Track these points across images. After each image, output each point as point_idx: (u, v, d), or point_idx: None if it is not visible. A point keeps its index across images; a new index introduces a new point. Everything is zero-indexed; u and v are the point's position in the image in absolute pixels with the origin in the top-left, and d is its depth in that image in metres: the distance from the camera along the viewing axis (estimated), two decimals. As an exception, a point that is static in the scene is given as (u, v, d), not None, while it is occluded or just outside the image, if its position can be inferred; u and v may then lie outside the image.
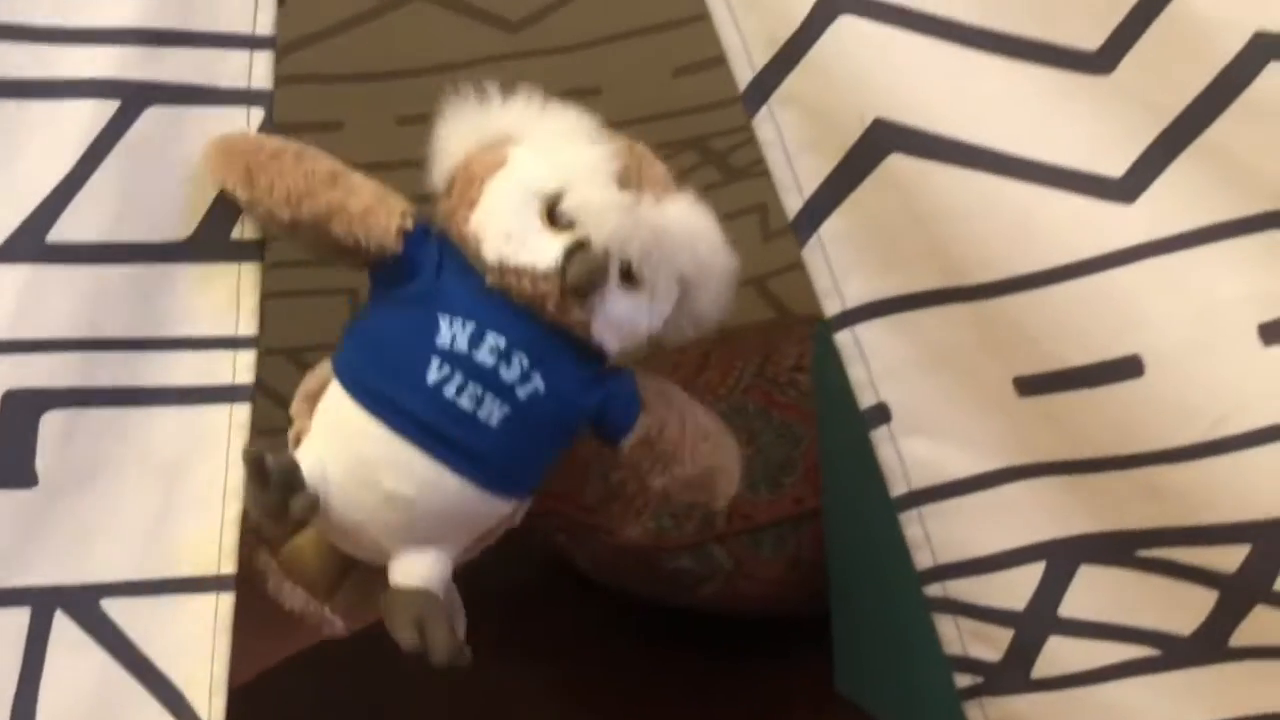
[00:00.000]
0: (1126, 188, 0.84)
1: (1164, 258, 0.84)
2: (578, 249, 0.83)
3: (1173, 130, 0.83)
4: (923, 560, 0.91)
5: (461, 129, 0.87)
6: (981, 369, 0.88)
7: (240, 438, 0.86)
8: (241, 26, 0.87)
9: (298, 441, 0.88)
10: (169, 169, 0.85)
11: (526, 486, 0.89)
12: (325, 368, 0.88)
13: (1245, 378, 0.84)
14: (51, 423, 0.82)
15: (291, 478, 0.84)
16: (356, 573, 0.92)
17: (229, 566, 0.85)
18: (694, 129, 1.49)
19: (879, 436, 0.90)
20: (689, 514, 1.39)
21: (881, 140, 0.85)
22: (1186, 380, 0.84)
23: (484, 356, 0.83)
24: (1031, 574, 0.90)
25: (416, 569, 0.87)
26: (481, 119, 0.87)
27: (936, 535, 0.91)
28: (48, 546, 0.82)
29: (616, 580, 1.48)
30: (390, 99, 1.40)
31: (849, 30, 0.85)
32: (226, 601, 0.84)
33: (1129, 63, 0.83)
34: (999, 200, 0.84)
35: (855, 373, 0.90)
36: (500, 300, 0.84)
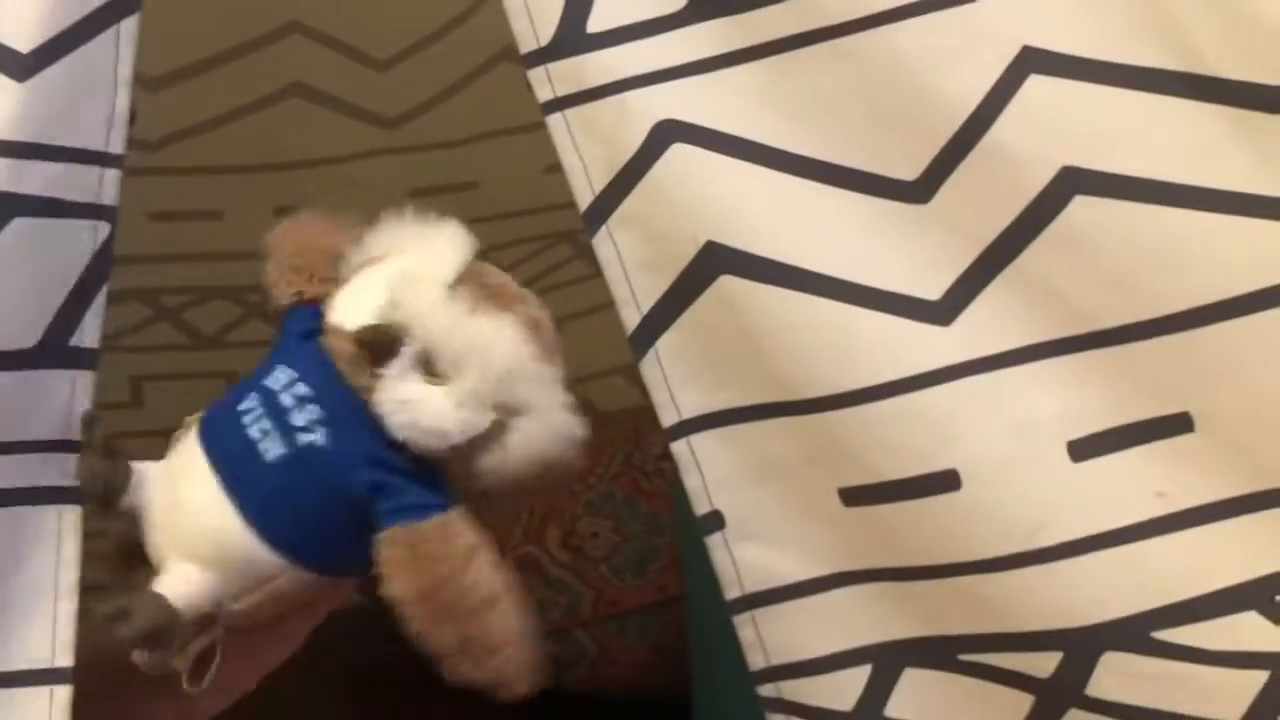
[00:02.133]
0: (943, 310, 0.87)
1: (979, 377, 0.87)
2: (382, 319, 0.87)
3: (987, 256, 0.87)
4: (756, 661, 0.94)
5: (383, 238, 0.92)
6: (809, 479, 0.91)
7: (71, 540, 0.87)
8: (96, 144, 0.88)
9: None
10: (22, 279, 0.86)
11: (300, 549, 0.88)
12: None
13: (1057, 492, 0.87)
14: None
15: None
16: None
17: (64, 659, 0.85)
18: (565, 224, 1.53)
19: (714, 543, 0.93)
20: (554, 600, 1.42)
21: (713, 262, 0.89)
22: (1002, 494, 0.87)
23: (285, 399, 0.88)
24: (859, 676, 0.92)
25: (179, 578, 0.88)
26: (399, 229, 0.92)
27: (769, 637, 0.93)
28: None
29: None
30: (268, 190, 1.42)
31: (682, 157, 0.88)
32: (62, 692, 0.85)
33: (945, 192, 0.87)
34: (822, 320, 0.88)
35: (691, 481, 0.93)
36: (327, 362, 0.88)
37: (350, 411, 0.87)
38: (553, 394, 0.89)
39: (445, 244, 0.91)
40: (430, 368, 0.87)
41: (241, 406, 0.88)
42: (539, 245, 1.63)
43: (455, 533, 0.86)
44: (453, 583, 0.85)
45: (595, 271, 1.62)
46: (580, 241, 1.58)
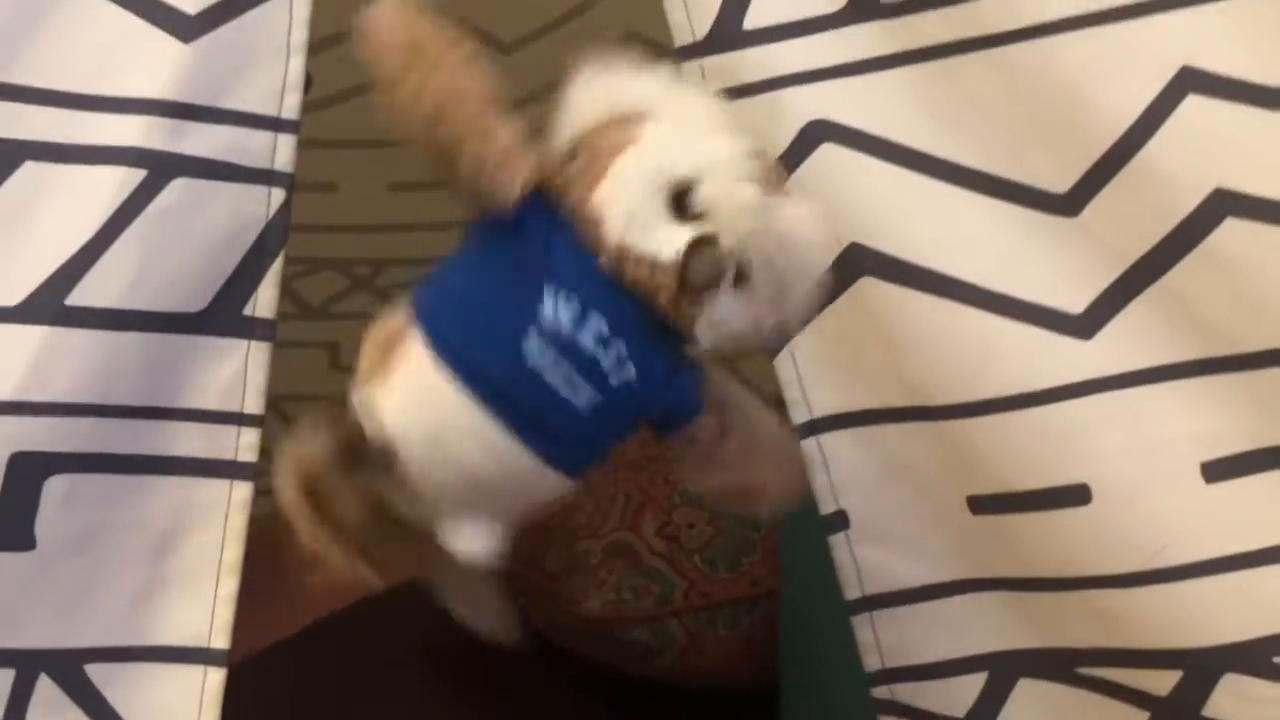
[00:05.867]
0: (1085, 324, 0.88)
1: (1115, 393, 0.87)
2: (703, 244, 0.77)
3: (1131, 274, 0.87)
4: (872, 663, 0.95)
5: (593, 94, 0.81)
6: (937, 485, 0.92)
7: (239, 516, 0.87)
8: (268, 109, 0.89)
9: (364, 385, 0.81)
10: (189, 241, 0.87)
11: (593, 467, 0.83)
12: (401, 318, 0.82)
13: (1186, 512, 0.87)
14: (54, 487, 0.83)
15: (389, 460, 0.79)
16: (394, 528, 0.84)
17: (221, 641, 0.86)
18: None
19: (837, 542, 0.94)
20: (648, 588, 1.42)
21: (855, 263, 0.89)
22: (1131, 511, 0.87)
23: (585, 339, 0.78)
24: (974, 683, 0.93)
25: (478, 541, 0.82)
26: (616, 84, 0.81)
27: (886, 640, 0.94)
28: (39, 610, 0.83)
29: (574, 646, 1.51)
30: (383, 166, 1.43)
31: (831, 157, 0.89)
32: (215, 676, 0.85)
33: (1094, 208, 0.87)
34: (963, 328, 0.88)
35: (818, 479, 0.93)
36: (608, 281, 0.78)
37: (647, 334, 0.79)
38: (827, 268, 0.83)
39: (709, 112, 0.80)
40: (742, 272, 0.79)
41: (527, 353, 0.77)
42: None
43: (714, 421, 0.84)
44: (734, 457, 0.84)
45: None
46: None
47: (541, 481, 0.80)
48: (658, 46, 0.90)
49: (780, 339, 0.88)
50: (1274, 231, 0.85)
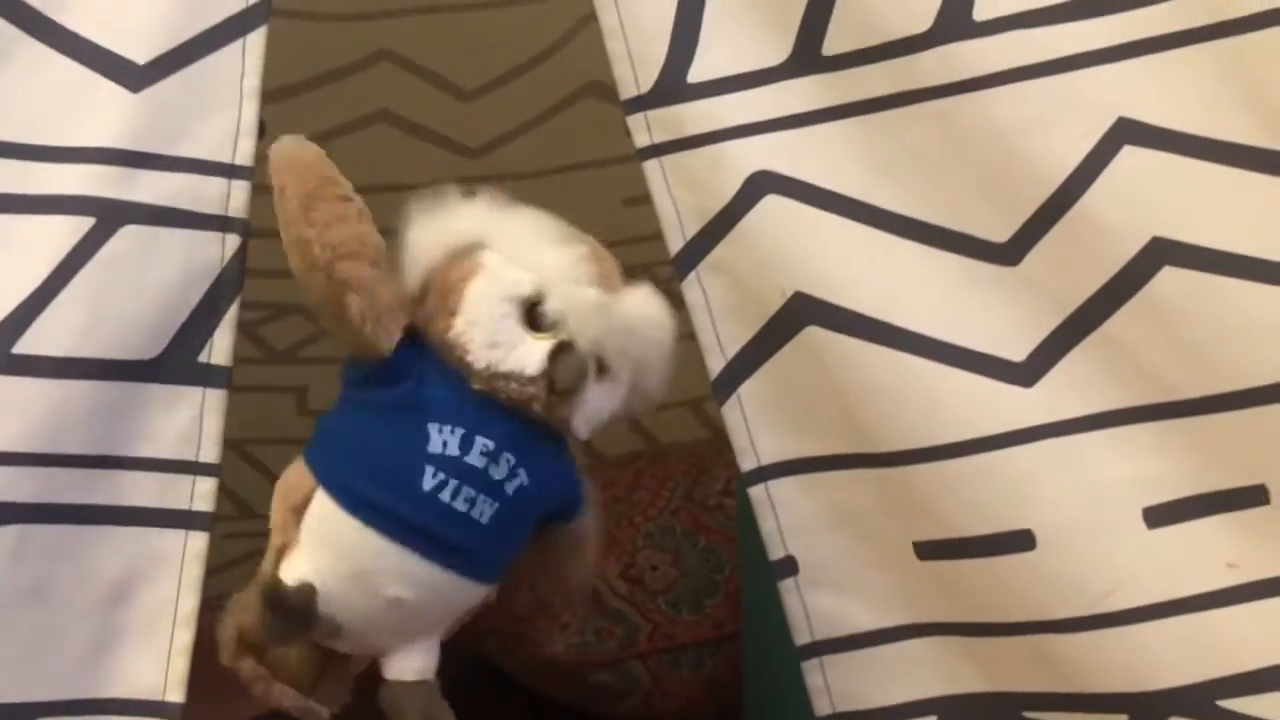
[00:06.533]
0: (1026, 372, 0.89)
1: (1059, 440, 0.88)
2: (561, 352, 0.87)
3: (1072, 321, 0.88)
4: (822, 707, 0.95)
5: (429, 234, 0.89)
6: (884, 531, 0.92)
7: (195, 566, 0.86)
8: (221, 155, 0.89)
9: (281, 553, 0.89)
10: (141, 288, 0.86)
11: (506, 569, 0.92)
12: (303, 476, 0.89)
13: (1130, 557, 0.88)
14: (4, 538, 0.82)
15: (309, 604, 0.85)
16: (333, 664, 0.93)
17: (175, 695, 0.85)
18: (641, 257, 1.54)
19: (786, 587, 0.95)
20: (611, 631, 1.43)
21: (800, 312, 0.90)
22: (1075, 556, 0.88)
23: (474, 459, 0.86)
24: (923, 728, 0.94)
25: (415, 663, 0.90)
26: (448, 223, 0.89)
27: (837, 684, 0.95)
28: None
29: (542, 688, 1.51)
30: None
31: (774, 208, 0.90)
32: None
33: (1034, 256, 0.88)
34: (907, 376, 0.89)
35: (766, 526, 0.94)
36: (484, 402, 0.87)
37: (531, 440, 0.88)
38: (672, 339, 0.93)
39: (538, 227, 0.90)
40: (602, 365, 0.89)
41: (427, 487, 0.85)
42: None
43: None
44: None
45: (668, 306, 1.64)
46: (654, 274, 1.59)
47: (464, 594, 0.89)
48: (615, 95, 0.93)
49: (647, 407, 0.94)
50: (1211, 279, 0.86)
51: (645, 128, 0.92)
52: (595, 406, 0.89)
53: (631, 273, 1.62)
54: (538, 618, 1.46)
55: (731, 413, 0.93)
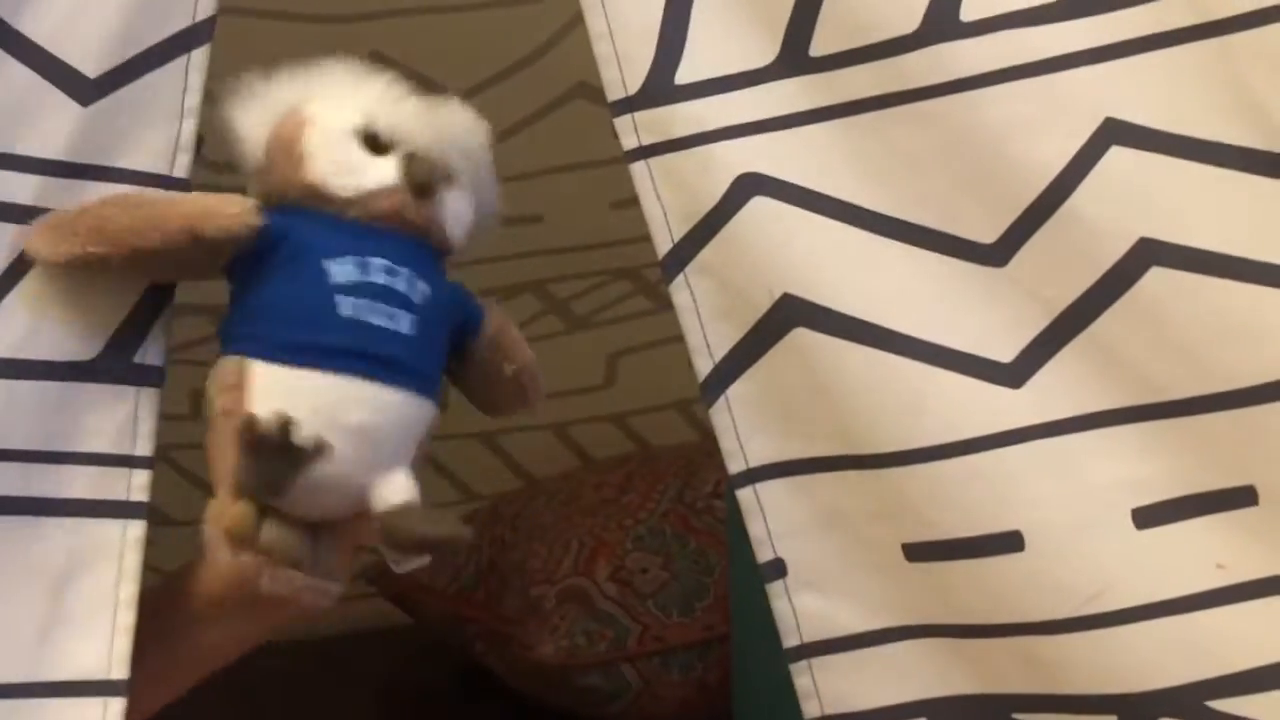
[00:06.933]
0: (1014, 373, 0.89)
1: (1047, 441, 0.88)
2: (412, 158, 0.90)
3: (1060, 322, 0.88)
4: (811, 710, 0.95)
5: (254, 111, 0.93)
6: (873, 533, 0.92)
7: (134, 554, 0.88)
8: (160, 168, 0.91)
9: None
10: (80, 291, 0.88)
11: (437, 386, 0.93)
12: (230, 361, 0.90)
13: (1118, 558, 0.88)
14: None
15: (288, 428, 0.86)
16: (321, 543, 0.93)
17: (120, 672, 0.87)
18: (627, 259, 1.55)
19: (774, 590, 0.94)
20: (601, 633, 1.43)
21: (788, 314, 0.90)
22: (1063, 558, 0.88)
23: (377, 277, 0.89)
24: (913, 730, 0.94)
25: (397, 487, 0.91)
26: (265, 96, 0.93)
27: (825, 686, 0.94)
28: None
29: (531, 691, 1.51)
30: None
31: (762, 210, 0.90)
32: (116, 706, 0.86)
33: (1022, 257, 0.88)
34: (895, 377, 0.89)
35: (754, 529, 0.94)
36: (363, 230, 0.90)
37: (416, 252, 0.91)
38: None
39: (346, 69, 0.94)
40: (448, 171, 0.92)
41: (345, 314, 0.88)
42: (600, 279, 1.64)
43: (495, 316, 0.98)
44: (520, 343, 0.98)
45: (654, 307, 1.64)
46: (642, 277, 1.60)
47: (416, 410, 0.91)
48: (604, 97, 0.93)
49: (493, 220, 0.97)
50: (1198, 279, 0.86)
51: (633, 130, 0.92)
52: (456, 209, 0.92)
53: (620, 275, 1.64)
54: (527, 620, 1.46)
55: (720, 415, 0.93)
